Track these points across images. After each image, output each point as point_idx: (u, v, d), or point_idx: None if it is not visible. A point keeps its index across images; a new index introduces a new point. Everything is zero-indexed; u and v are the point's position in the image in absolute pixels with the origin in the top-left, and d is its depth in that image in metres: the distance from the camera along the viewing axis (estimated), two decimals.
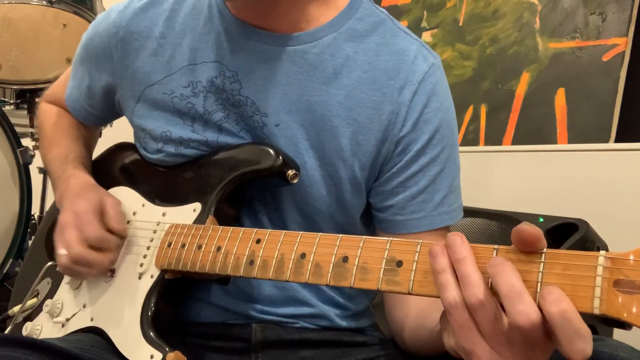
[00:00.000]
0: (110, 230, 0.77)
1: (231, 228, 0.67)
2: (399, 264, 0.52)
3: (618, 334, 1.12)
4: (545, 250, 0.46)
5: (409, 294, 0.51)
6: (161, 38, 0.80)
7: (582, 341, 0.41)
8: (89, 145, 0.99)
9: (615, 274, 0.42)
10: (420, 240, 0.52)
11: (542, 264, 0.45)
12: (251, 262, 0.62)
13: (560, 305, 0.42)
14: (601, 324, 1.09)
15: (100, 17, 0.88)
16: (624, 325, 1.13)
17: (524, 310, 0.43)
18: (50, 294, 0.86)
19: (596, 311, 0.42)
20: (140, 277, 0.74)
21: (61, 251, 0.75)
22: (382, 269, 0.52)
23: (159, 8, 0.81)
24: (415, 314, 0.71)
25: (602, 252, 0.43)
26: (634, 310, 0.41)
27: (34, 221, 1.65)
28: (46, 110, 1.00)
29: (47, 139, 0.96)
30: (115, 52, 0.82)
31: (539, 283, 0.45)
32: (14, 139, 1.53)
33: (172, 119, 0.79)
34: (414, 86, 0.75)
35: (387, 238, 0.54)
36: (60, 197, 0.84)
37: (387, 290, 0.52)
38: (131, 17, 0.81)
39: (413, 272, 0.51)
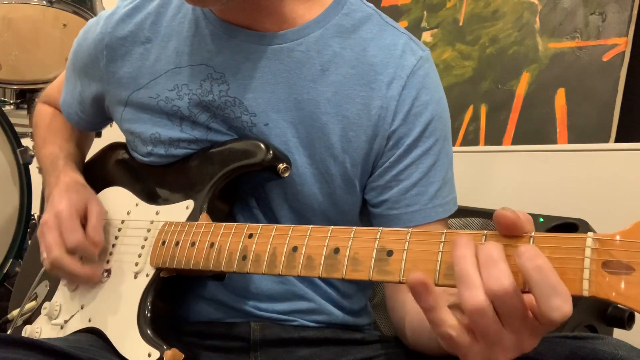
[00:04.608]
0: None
1: (224, 224, 0.67)
2: (390, 253, 0.52)
3: (618, 333, 1.11)
4: (533, 234, 0.46)
5: (400, 282, 0.51)
6: (147, 42, 0.80)
7: (559, 297, 0.41)
8: (82, 147, 0.99)
9: (603, 255, 0.42)
10: (410, 229, 0.52)
11: None
12: (244, 257, 0.62)
13: (536, 261, 0.42)
14: (601, 324, 1.09)
15: (90, 23, 0.89)
16: (624, 325, 1.12)
17: (497, 275, 0.43)
18: (49, 296, 0.86)
19: (585, 293, 0.42)
20: (136, 277, 0.74)
21: (43, 254, 0.76)
22: (373, 259, 0.53)
23: (143, 12, 0.81)
24: (415, 313, 0.71)
25: (590, 234, 0.43)
26: (622, 290, 0.41)
27: (34, 221, 1.65)
28: (41, 111, 1.02)
29: (41, 137, 0.97)
30: (101, 59, 0.83)
31: None
32: (14, 139, 1.53)
33: (160, 121, 0.79)
34: (403, 80, 0.75)
35: (377, 228, 0.54)
36: (49, 193, 0.85)
37: (378, 280, 0.52)
38: (116, 23, 0.82)
39: (403, 261, 0.51)
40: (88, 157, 1.00)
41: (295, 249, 0.58)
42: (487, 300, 0.44)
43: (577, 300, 1.09)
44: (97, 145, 1.04)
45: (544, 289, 0.42)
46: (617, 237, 0.42)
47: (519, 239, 0.46)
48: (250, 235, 0.63)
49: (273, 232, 0.61)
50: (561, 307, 0.41)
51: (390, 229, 0.53)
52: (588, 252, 0.43)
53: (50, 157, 0.91)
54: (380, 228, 0.54)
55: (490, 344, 0.46)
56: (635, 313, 1.08)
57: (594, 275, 0.42)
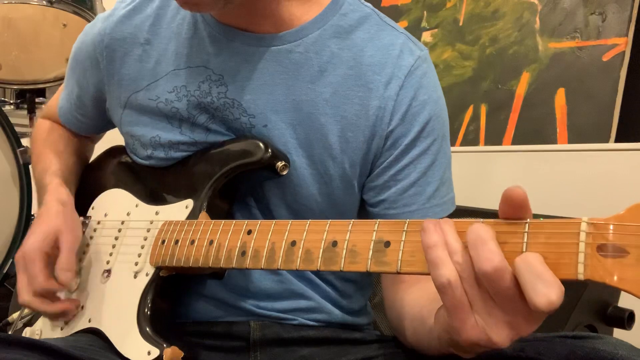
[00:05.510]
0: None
1: (223, 221, 0.67)
2: (387, 244, 0.52)
3: (618, 333, 1.11)
4: (528, 220, 0.46)
5: (398, 273, 0.51)
6: (146, 44, 0.81)
7: (545, 285, 0.42)
8: (79, 156, 0.97)
9: (597, 239, 0.42)
10: (407, 220, 0.52)
11: (525, 234, 0.46)
12: (243, 253, 0.62)
13: (523, 254, 0.43)
14: (601, 324, 1.09)
15: (87, 27, 0.89)
16: (624, 325, 1.12)
17: (486, 255, 0.44)
18: None
19: (580, 277, 0.42)
20: (135, 276, 0.74)
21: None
22: (371, 251, 0.53)
23: (143, 14, 0.81)
24: (416, 312, 0.71)
25: (585, 218, 0.43)
26: (616, 274, 0.41)
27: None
28: (39, 127, 1.00)
29: (36, 154, 0.97)
30: (101, 60, 0.83)
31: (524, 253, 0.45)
32: (14, 139, 1.53)
33: (160, 123, 0.79)
34: (400, 80, 0.75)
35: (375, 220, 0.54)
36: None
37: (376, 270, 0.53)
38: (115, 24, 0.82)
39: (401, 251, 0.51)
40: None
41: (293, 243, 0.58)
42: (455, 276, 0.46)
43: (577, 300, 1.09)
44: (97, 147, 1.04)
45: (529, 278, 0.42)
46: (611, 221, 0.42)
47: (516, 225, 0.46)
48: (249, 232, 0.63)
49: (272, 228, 0.61)
50: (547, 294, 0.42)
51: (388, 220, 0.54)
52: (583, 236, 0.43)
53: (40, 173, 0.91)
54: (378, 220, 0.54)
55: (483, 315, 0.46)
56: (635, 313, 1.08)
57: (588, 259, 0.42)
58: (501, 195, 0.47)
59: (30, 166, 1.55)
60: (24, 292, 0.76)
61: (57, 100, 0.98)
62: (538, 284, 0.42)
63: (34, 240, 0.77)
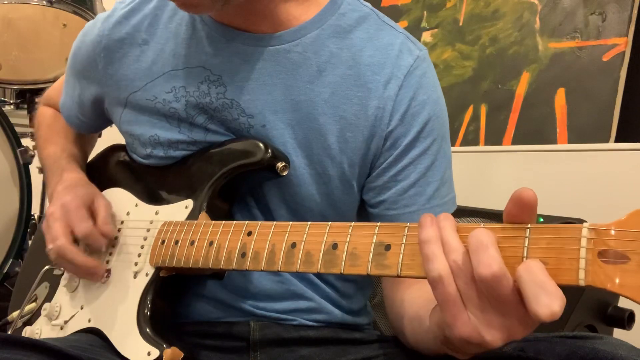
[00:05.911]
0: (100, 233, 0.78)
1: (222, 222, 0.67)
2: (388, 247, 0.52)
3: (618, 333, 1.11)
4: (529, 225, 0.46)
5: (398, 276, 0.52)
6: (144, 44, 0.81)
7: (548, 296, 0.42)
8: (84, 147, 0.99)
9: (598, 245, 0.42)
10: (408, 223, 0.52)
11: (527, 239, 0.46)
12: (243, 255, 0.62)
13: (526, 262, 0.43)
14: (601, 324, 1.09)
15: (87, 26, 0.89)
16: (624, 325, 1.12)
17: (486, 261, 0.44)
18: (49, 297, 0.86)
19: (581, 282, 0.42)
20: (135, 276, 0.74)
21: (49, 245, 0.76)
22: (371, 254, 0.53)
23: (141, 14, 0.81)
24: (414, 312, 0.71)
25: (586, 224, 0.43)
26: (617, 279, 0.41)
27: (34, 221, 1.65)
28: (43, 113, 1.02)
29: (42, 138, 0.98)
30: (99, 61, 0.83)
31: (525, 258, 0.45)
32: (14, 139, 1.53)
33: (158, 123, 0.79)
34: (400, 80, 0.75)
35: (375, 223, 0.54)
36: (52, 191, 0.85)
37: (377, 274, 0.53)
38: (114, 25, 0.82)
39: (401, 255, 0.51)
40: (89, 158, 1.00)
41: (294, 245, 0.58)
42: (467, 261, 0.46)
43: (577, 300, 1.09)
44: (97, 146, 1.04)
45: (532, 288, 0.42)
46: (612, 227, 0.42)
47: (517, 230, 0.46)
48: (249, 233, 0.63)
49: (272, 230, 0.61)
50: (550, 305, 0.41)
51: (388, 223, 0.54)
52: (584, 242, 0.43)
53: (52, 156, 0.92)
54: (379, 223, 0.54)
55: (477, 313, 0.46)
56: (635, 313, 1.08)
57: (589, 265, 0.42)
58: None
59: (30, 166, 1.56)
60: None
61: (57, 90, 0.99)
62: (541, 294, 0.42)
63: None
